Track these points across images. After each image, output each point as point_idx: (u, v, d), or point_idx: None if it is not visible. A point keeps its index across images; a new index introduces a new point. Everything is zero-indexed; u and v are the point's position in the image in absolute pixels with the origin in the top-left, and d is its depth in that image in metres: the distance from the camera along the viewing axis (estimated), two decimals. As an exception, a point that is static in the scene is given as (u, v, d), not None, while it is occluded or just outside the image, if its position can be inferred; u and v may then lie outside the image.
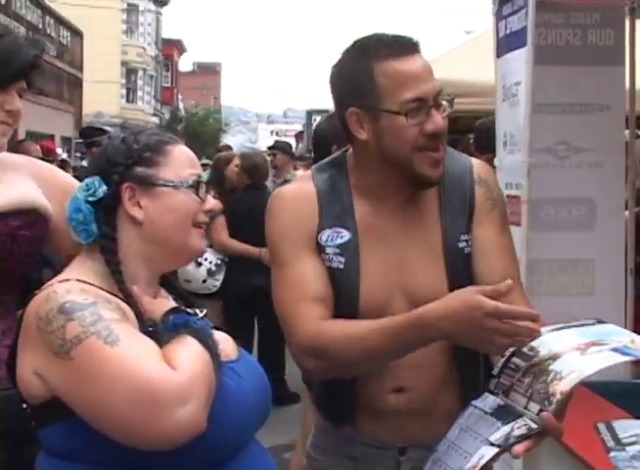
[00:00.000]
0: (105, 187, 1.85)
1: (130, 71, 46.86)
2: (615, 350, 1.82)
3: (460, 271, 2.24)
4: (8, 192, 2.20)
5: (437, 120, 2.12)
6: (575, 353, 1.82)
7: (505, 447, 1.78)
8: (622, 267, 3.55)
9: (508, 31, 3.32)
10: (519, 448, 1.78)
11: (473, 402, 1.96)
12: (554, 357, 1.84)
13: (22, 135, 23.58)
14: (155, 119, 47.08)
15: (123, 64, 45.37)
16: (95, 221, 1.85)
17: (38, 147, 7.54)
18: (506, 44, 3.34)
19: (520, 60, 3.12)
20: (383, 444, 2.23)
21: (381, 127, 2.17)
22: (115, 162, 1.86)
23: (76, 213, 1.86)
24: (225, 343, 1.94)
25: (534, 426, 1.78)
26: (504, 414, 1.85)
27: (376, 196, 2.27)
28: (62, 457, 1.78)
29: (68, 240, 1.97)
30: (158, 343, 1.75)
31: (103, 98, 36.74)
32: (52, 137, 25.99)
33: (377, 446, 2.25)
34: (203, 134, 48.10)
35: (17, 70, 2.19)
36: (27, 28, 25.12)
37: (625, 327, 3.44)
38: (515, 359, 1.91)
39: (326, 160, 2.39)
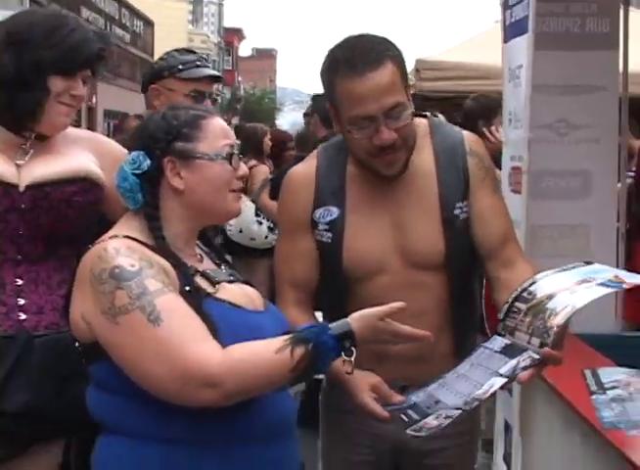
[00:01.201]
0: (149, 161, 1.87)
1: (195, 57, 46.87)
2: (601, 284, 1.90)
3: (456, 235, 2.27)
4: (65, 162, 2.26)
5: (383, 137, 2.14)
6: (566, 292, 1.89)
7: (512, 377, 1.84)
8: (614, 232, 3.52)
9: (513, 20, 3.28)
10: (524, 375, 1.85)
11: (482, 344, 2.02)
12: (549, 297, 1.91)
13: (99, 112, 23.78)
14: (217, 99, 47.13)
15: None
16: (140, 191, 1.87)
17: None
18: (511, 31, 3.32)
19: (522, 45, 3.10)
20: (385, 382, 2.23)
21: (342, 130, 2.21)
22: (157, 137, 1.88)
23: (124, 183, 1.89)
24: (255, 295, 1.98)
25: (537, 357, 1.84)
26: (511, 351, 1.90)
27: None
28: (107, 390, 1.83)
29: (122, 205, 2.01)
30: (196, 300, 1.78)
31: (171, 80, 36.81)
32: (127, 115, 26.18)
33: None
34: (259, 112, 48.11)
35: (84, 61, 2.25)
36: (106, 19, 25.24)
37: (616, 285, 3.45)
38: (516, 303, 1.98)
39: (336, 138, 2.42)
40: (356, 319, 1.81)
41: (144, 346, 1.70)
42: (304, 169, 2.36)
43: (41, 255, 2.22)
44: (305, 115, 7.26)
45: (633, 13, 3.68)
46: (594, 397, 2.43)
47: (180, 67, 3.08)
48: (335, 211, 2.28)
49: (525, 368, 1.84)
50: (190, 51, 3.31)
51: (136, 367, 1.73)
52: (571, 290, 1.90)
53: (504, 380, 1.84)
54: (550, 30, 3.34)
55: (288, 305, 2.27)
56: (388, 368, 2.13)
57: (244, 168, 1.96)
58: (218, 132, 1.93)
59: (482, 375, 1.87)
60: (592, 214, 3.43)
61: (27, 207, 2.17)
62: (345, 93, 2.15)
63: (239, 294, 1.92)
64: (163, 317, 1.71)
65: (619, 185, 3.67)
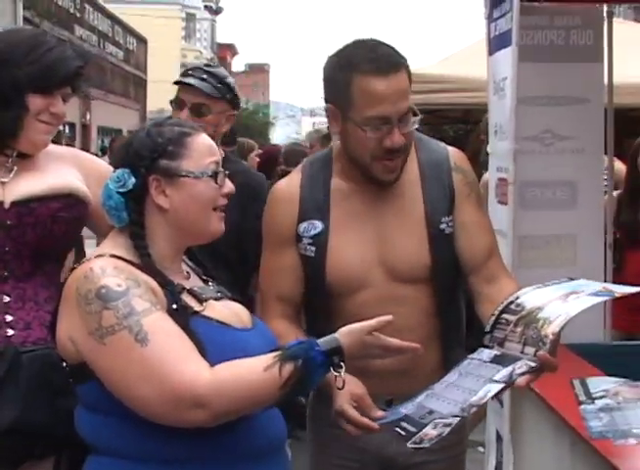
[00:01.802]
0: (133, 179, 1.84)
1: (188, 72, 47.00)
2: (591, 294, 1.91)
3: (441, 249, 2.26)
4: (50, 179, 2.24)
5: (395, 139, 2.14)
6: (558, 302, 1.89)
7: (510, 383, 1.83)
8: (602, 242, 3.52)
9: (497, 32, 3.29)
10: (522, 380, 1.83)
11: (469, 356, 1.99)
12: (540, 308, 1.90)
13: (93, 129, 23.79)
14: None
15: (182, 66, 45.45)
16: (125, 209, 1.85)
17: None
18: (495, 44, 3.32)
19: (506, 58, 3.10)
20: (371, 396, 2.21)
21: (347, 130, 2.20)
22: (142, 155, 1.85)
23: (108, 201, 1.86)
24: (242, 312, 1.95)
25: (533, 364, 1.83)
26: (503, 360, 1.89)
27: (353, 180, 2.28)
28: (93, 410, 1.80)
29: (107, 222, 2.00)
30: (183, 318, 1.75)
31: (165, 96, 36.77)
32: (120, 131, 26.20)
33: None
34: (253, 127, 48.10)
35: (61, 79, 2.23)
36: (99, 36, 25.28)
37: (604, 295, 3.44)
38: (504, 315, 1.97)
39: (320, 152, 2.42)
40: (344, 334, 1.78)
41: (131, 366, 1.68)
42: (288, 184, 2.36)
43: (28, 271, 2.21)
44: None
45: (617, 24, 3.68)
46: (582, 406, 2.42)
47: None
48: (319, 226, 2.27)
49: (521, 374, 1.83)
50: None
51: (124, 388, 1.70)
52: (562, 300, 1.90)
53: (501, 386, 1.82)
54: (534, 43, 3.36)
55: (273, 318, 2.24)
56: (373, 382, 2.08)
57: (229, 185, 1.93)
58: (203, 150, 1.90)
59: (475, 383, 1.85)
60: (578, 225, 3.43)
61: (13, 223, 2.16)
62: (367, 91, 2.14)
63: (226, 311, 1.89)
64: (151, 338, 1.68)
65: (606, 195, 3.68)
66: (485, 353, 1.95)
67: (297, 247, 2.29)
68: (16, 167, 2.22)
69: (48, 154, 2.30)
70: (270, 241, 2.36)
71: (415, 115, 2.22)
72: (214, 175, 1.88)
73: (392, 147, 2.15)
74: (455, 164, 2.31)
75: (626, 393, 2.50)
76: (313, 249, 2.26)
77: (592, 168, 3.44)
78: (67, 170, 2.30)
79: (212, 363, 1.71)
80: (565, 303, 1.89)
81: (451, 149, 2.37)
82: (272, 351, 1.76)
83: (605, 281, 3.50)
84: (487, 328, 2.00)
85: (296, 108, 79.56)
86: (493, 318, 1.99)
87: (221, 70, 3.22)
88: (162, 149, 1.86)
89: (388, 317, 1.81)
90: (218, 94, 3.06)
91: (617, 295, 1.95)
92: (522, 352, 1.87)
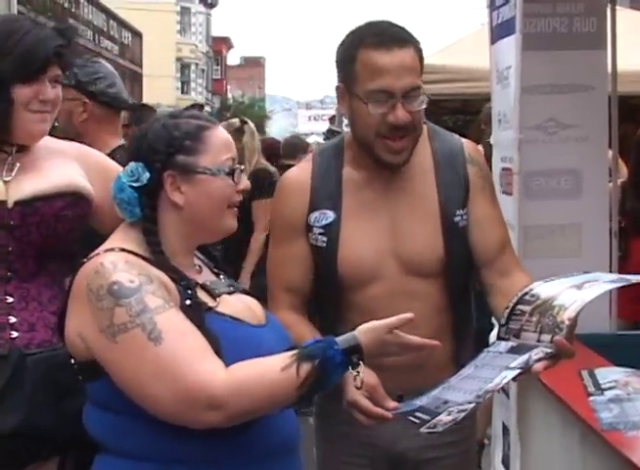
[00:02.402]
0: (148, 174, 1.79)
1: (184, 66, 47.01)
2: (607, 282, 1.94)
3: (456, 242, 2.24)
4: (53, 176, 2.18)
5: (399, 114, 2.09)
6: (573, 290, 1.88)
7: (526, 369, 1.80)
8: (607, 231, 3.50)
9: (500, 21, 3.26)
10: (539, 366, 1.81)
11: (485, 349, 1.96)
12: (554, 297, 1.89)
13: (90, 124, 23.72)
14: (207, 108, 47.18)
15: (178, 60, 45.50)
16: (138, 204, 1.80)
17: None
18: (498, 32, 3.29)
19: (510, 46, 3.07)
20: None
21: (353, 107, 2.16)
22: (157, 149, 1.79)
23: (120, 194, 1.80)
24: (255, 307, 1.91)
25: (549, 350, 1.81)
26: (519, 350, 1.86)
27: (366, 169, 2.24)
28: (104, 408, 1.76)
29: (111, 218, 1.95)
30: (197, 315, 1.71)
31: (160, 91, 36.82)
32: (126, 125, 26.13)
33: None
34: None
35: (41, 63, 2.13)
36: (94, 31, 25.23)
37: (610, 285, 3.42)
38: (519, 306, 1.94)
39: (331, 141, 2.39)
40: (363, 332, 1.73)
41: (144, 366, 1.63)
42: (299, 173, 2.31)
43: (31, 271, 2.16)
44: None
45: (620, 12, 3.66)
46: (592, 398, 2.40)
47: None
48: (330, 215, 2.23)
49: (537, 360, 1.81)
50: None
51: (136, 387, 1.66)
52: (577, 288, 1.89)
53: (517, 371, 1.80)
54: (537, 31, 3.32)
55: (281, 308, 2.20)
56: (385, 378, 2.02)
57: (245, 182, 1.88)
58: (221, 145, 1.84)
59: (491, 372, 1.82)
60: (583, 214, 3.41)
61: (16, 223, 2.11)
62: (369, 64, 2.11)
63: (240, 306, 1.85)
64: (164, 336, 1.63)
65: (610, 184, 3.65)
66: (502, 345, 1.93)
67: (307, 237, 2.24)
68: (18, 164, 2.16)
69: (50, 149, 2.24)
70: (279, 231, 2.31)
71: (425, 95, 2.17)
72: (231, 172, 1.83)
73: (396, 123, 2.10)
74: (470, 156, 2.27)
75: (636, 383, 2.48)
76: (324, 239, 2.22)
77: (596, 157, 3.41)
78: (69, 166, 2.24)
79: (228, 361, 1.68)
80: (580, 290, 1.87)
81: (465, 141, 2.33)
82: (288, 349, 1.72)
83: (610, 270, 3.49)
84: (503, 321, 1.98)
85: (292, 101, 79.38)
86: (508, 311, 1.97)
87: (82, 60, 3.16)
88: (179, 143, 1.80)
89: (409, 315, 1.76)
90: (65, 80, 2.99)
91: (633, 281, 1.93)
92: (538, 341, 1.85)
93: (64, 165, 2.23)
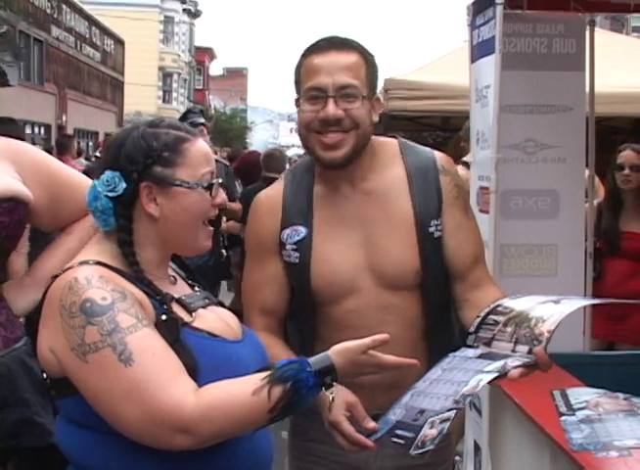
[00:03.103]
0: (124, 184, 1.76)
1: (166, 76, 46.91)
2: (582, 299, 1.96)
3: (431, 253, 2.22)
4: None
5: (329, 109, 2.13)
6: (550, 304, 1.89)
7: (503, 373, 1.79)
8: (582, 252, 3.52)
9: (480, 40, 3.28)
10: (515, 372, 1.79)
11: (451, 354, 1.95)
12: (530, 309, 1.89)
13: (70, 131, 23.64)
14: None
15: (160, 69, 45.40)
16: (113, 214, 1.77)
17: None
18: (478, 51, 3.31)
19: (489, 65, 3.09)
20: None
21: (299, 111, 2.21)
22: (135, 160, 1.76)
23: (95, 202, 1.78)
24: (231, 320, 1.89)
25: (527, 360, 1.81)
26: (490, 357, 1.85)
27: (336, 183, 2.25)
28: (77, 425, 1.73)
29: (49, 216, 1.95)
30: (173, 330, 1.69)
31: (142, 99, 36.76)
32: (96, 134, 26.06)
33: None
34: (230, 131, 48.01)
35: None
36: (76, 38, 25.15)
37: (584, 306, 3.44)
38: (491, 316, 1.95)
39: (303, 159, 2.40)
40: (337, 353, 1.70)
41: (114, 387, 1.61)
42: (271, 193, 2.32)
43: None
44: None
45: (599, 34, 3.69)
46: (563, 418, 2.41)
47: None
48: (302, 231, 2.23)
49: (514, 367, 1.80)
50: None
51: (106, 407, 1.63)
52: (553, 302, 1.90)
53: (493, 375, 1.78)
54: (517, 50, 3.35)
55: (257, 331, 2.14)
56: (362, 397, 1.98)
57: (222, 196, 1.86)
58: (200, 158, 1.81)
59: (464, 375, 1.81)
60: (560, 234, 3.44)
61: None
62: (306, 67, 2.17)
63: (216, 321, 1.83)
64: (135, 357, 1.60)
65: (586, 204, 3.68)
66: (470, 352, 1.92)
67: (280, 255, 2.24)
68: None
69: None
70: (253, 252, 2.31)
71: (375, 98, 2.22)
72: (209, 187, 1.81)
73: (326, 118, 2.12)
74: (443, 167, 2.28)
75: (606, 404, 2.49)
76: (297, 254, 2.22)
77: (574, 178, 3.45)
78: (2, 169, 2.16)
79: (204, 377, 1.66)
80: (557, 304, 1.89)
81: (437, 153, 2.34)
82: (261, 369, 1.69)
83: (585, 290, 3.52)
84: (472, 329, 1.97)
85: (273, 112, 79.40)
86: (479, 320, 1.97)
87: None
88: (157, 154, 1.77)
89: (385, 336, 1.74)
90: None
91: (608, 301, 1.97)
92: (513, 351, 1.84)
93: None
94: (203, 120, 6.63)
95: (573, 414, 2.43)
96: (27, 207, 2.16)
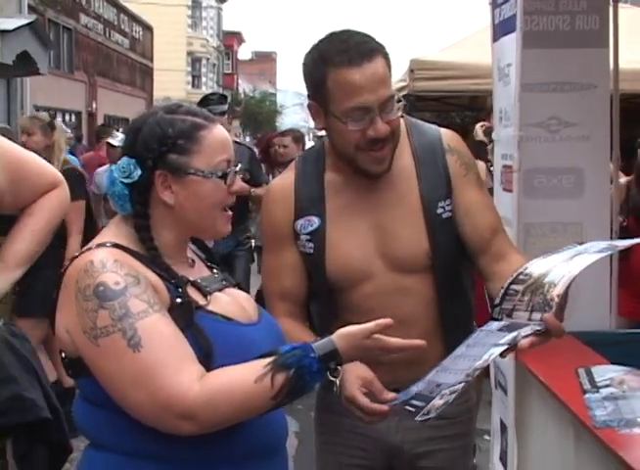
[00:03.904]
0: (139, 171, 1.77)
1: (195, 61, 47.00)
2: (595, 252, 1.89)
3: (440, 235, 2.24)
4: None
5: (378, 128, 2.10)
6: (563, 265, 1.86)
7: (513, 345, 1.79)
8: (608, 230, 3.50)
9: (502, 18, 3.26)
10: (525, 342, 1.79)
11: (479, 329, 1.96)
12: (545, 274, 1.87)
13: (100, 117, 23.82)
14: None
15: (189, 54, 45.49)
16: (129, 200, 1.79)
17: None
18: (500, 30, 3.29)
19: (511, 44, 3.07)
20: None
21: (329, 125, 2.17)
22: (150, 147, 1.77)
23: (112, 187, 1.80)
24: (247, 303, 1.90)
25: (538, 328, 1.80)
26: (510, 328, 1.85)
27: (347, 172, 2.26)
28: (93, 403, 1.77)
29: (7, 199, 2.02)
30: (187, 314, 1.71)
31: (171, 85, 36.88)
32: (127, 120, 26.20)
33: None
34: (259, 115, 48.09)
35: None
36: (104, 25, 25.29)
37: (610, 285, 3.43)
38: (512, 286, 1.94)
39: (313, 147, 2.42)
40: (341, 338, 1.71)
41: (123, 371, 1.64)
42: (283, 182, 2.34)
43: None
44: None
45: (623, 9, 3.65)
46: (587, 395, 2.40)
47: None
48: (315, 221, 2.25)
49: (525, 337, 1.80)
50: None
51: (115, 391, 1.67)
52: (566, 262, 1.88)
53: (504, 347, 1.79)
54: (539, 28, 3.31)
55: (278, 317, 2.18)
56: (379, 372, 2.03)
57: (239, 184, 1.85)
58: (216, 146, 1.80)
59: (481, 350, 1.82)
60: (585, 212, 3.40)
61: None
62: (342, 83, 2.09)
63: (231, 304, 1.84)
64: (144, 343, 1.63)
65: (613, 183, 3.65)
66: (494, 325, 1.92)
67: (296, 245, 2.28)
68: None
69: None
70: (269, 241, 2.34)
71: (399, 101, 2.17)
72: (224, 176, 1.81)
73: (377, 137, 2.12)
74: (449, 146, 2.28)
75: (631, 381, 2.47)
76: (312, 245, 2.25)
77: (598, 155, 3.41)
78: None
79: (218, 360, 1.68)
80: (568, 264, 1.86)
81: (443, 131, 2.34)
82: (264, 355, 1.69)
83: (611, 271, 3.50)
84: (497, 301, 1.97)
85: (303, 96, 79.02)
86: (502, 291, 1.96)
87: None
88: (172, 142, 1.77)
89: (388, 321, 1.73)
90: None
91: (618, 248, 1.95)
92: (529, 320, 1.84)
93: None
94: (223, 109, 5.97)
95: (597, 391, 2.42)
96: None
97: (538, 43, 3.24)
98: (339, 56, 2.10)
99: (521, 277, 1.94)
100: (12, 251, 2.30)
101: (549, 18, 3.32)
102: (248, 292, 2.02)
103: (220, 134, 1.83)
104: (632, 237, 4.15)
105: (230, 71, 55.97)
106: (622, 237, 3.73)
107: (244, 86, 59.64)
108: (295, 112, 62.95)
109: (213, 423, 1.65)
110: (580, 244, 1.99)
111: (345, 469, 2.40)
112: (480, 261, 2.29)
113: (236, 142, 5.92)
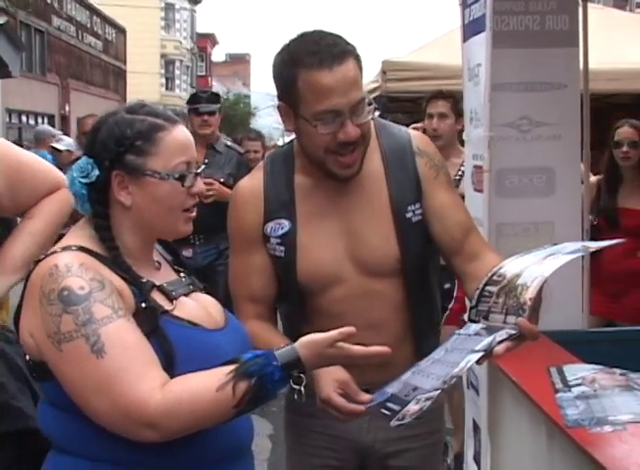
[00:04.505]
0: (97, 171, 1.76)
1: (168, 63, 46.88)
2: (567, 253, 1.89)
3: (409, 239, 2.23)
4: None
5: (349, 131, 2.08)
6: (535, 266, 1.86)
7: (489, 351, 1.79)
8: (580, 229, 3.51)
9: (471, 18, 3.25)
10: (500, 349, 1.79)
11: (456, 332, 1.96)
12: (518, 275, 1.87)
13: (73, 120, 23.65)
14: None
15: (162, 56, 45.34)
16: (88, 200, 1.78)
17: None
18: (470, 30, 3.28)
19: (480, 43, 3.07)
20: None
21: (299, 127, 2.14)
22: (108, 147, 1.76)
23: (72, 187, 1.79)
24: (214, 308, 1.89)
25: (513, 332, 1.80)
26: (487, 332, 1.85)
27: (316, 175, 2.24)
28: (56, 407, 1.75)
29: (7, 202, 2.01)
30: (152, 318, 1.69)
31: (144, 87, 36.69)
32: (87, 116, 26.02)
33: None
34: (233, 117, 47.97)
35: None
36: (77, 27, 25.12)
37: (582, 284, 3.44)
38: (487, 288, 1.93)
39: (281, 147, 2.39)
40: (304, 346, 1.70)
41: (86, 377, 1.62)
42: (251, 183, 2.30)
43: None
44: None
45: (592, 9, 3.66)
46: (559, 394, 2.40)
47: None
48: (286, 225, 2.23)
49: (500, 342, 1.80)
50: None
51: (78, 396, 1.65)
52: (538, 264, 1.87)
53: (480, 354, 1.79)
54: (509, 28, 3.31)
55: (247, 319, 2.19)
56: (351, 372, 2.03)
57: (199, 186, 1.84)
58: (174, 148, 1.79)
59: (458, 356, 1.82)
60: (556, 212, 3.41)
61: None
62: (312, 86, 2.06)
63: (197, 309, 1.83)
64: (107, 349, 1.62)
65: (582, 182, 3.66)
66: (472, 328, 1.92)
67: (265, 247, 2.25)
68: None
69: None
70: (238, 243, 2.30)
71: (370, 104, 2.14)
72: (182, 178, 1.79)
73: (347, 140, 2.09)
74: (418, 149, 2.26)
75: (603, 380, 2.48)
76: (282, 249, 2.22)
77: (569, 155, 3.41)
78: None
79: (182, 366, 1.67)
80: (541, 265, 1.86)
81: (413, 133, 2.33)
82: (227, 363, 1.68)
83: (582, 268, 3.51)
84: (473, 303, 1.96)
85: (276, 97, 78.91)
86: (478, 292, 1.96)
87: None
88: (130, 143, 1.76)
89: (351, 329, 1.72)
90: None
91: (590, 250, 1.94)
92: (504, 322, 1.84)
93: None
94: (212, 108, 5.68)
95: (569, 390, 2.42)
96: None
97: (508, 43, 3.24)
98: (309, 57, 2.07)
99: (495, 278, 1.93)
100: (9, 255, 2.26)
101: (519, 18, 3.32)
102: (231, 311, 2.00)
103: (180, 136, 1.81)
104: (603, 236, 4.23)
105: (204, 73, 55.82)
106: (593, 236, 3.76)
107: (218, 88, 59.49)
108: (268, 113, 62.81)
109: (175, 431, 1.64)
110: (554, 245, 1.99)
111: None
112: (454, 262, 2.28)
113: (227, 146, 5.79)
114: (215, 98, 5.90)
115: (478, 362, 1.81)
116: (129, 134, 1.76)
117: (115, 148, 1.76)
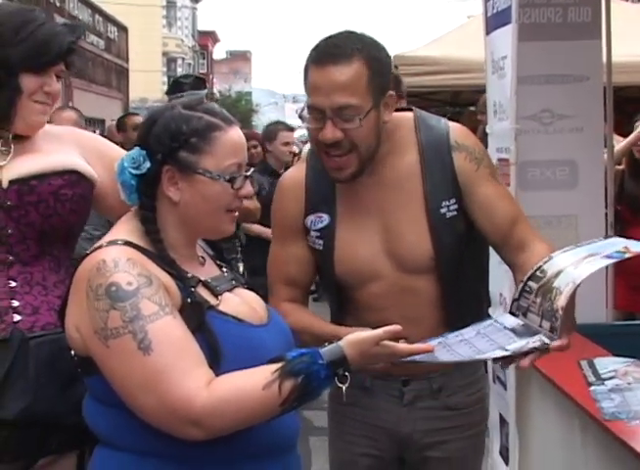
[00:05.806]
0: (148, 164, 1.74)
1: (170, 61, 46.91)
2: (605, 257, 1.84)
3: (443, 235, 2.21)
4: (51, 156, 2.15)
5: (325, 132, 2.07)
6: (571, 268, 1.81)
7: (515, 355, 1.77)
8: (603, 221, 3.50)
9: (495, 11, 3.23)
10: (525, 362, 1.77)
11: (494, 317, 1.94)
12: (557, 275, 1.83)
13: (76, 119, 23.65)
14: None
15: (164, 54, 45.35)
16: (136, 190, 1.77)
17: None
18: (493, 22, 3.26)
19: (505, 36, 3.05)
20: (388, 376, 2.21)
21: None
22: (162, 141, 1.75)
23: (121, 175, 1.77)
24: (257, 304, 1.87)
25: (547, 342, 1.77)
26: (522, 332, 1.83)
27: None
28: (103, 402, 1.73)
29: (113, 199, 1.95)
30: (198, 314, 1.68)
31: (147, 85, 36.69)
32: (103, 121, 26.04)
33: (383, 378, 2.26)
34: (235, 115, 47.88)
35: (55, 56, 2.13)
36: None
37: (606, 275, 3.43)
38: (529, 283, 1.90)
39: None
40: (350, 345, 1.67)
41: (132, 374, 1.61)
42: (294, 174, 2.33)
43: (33, 255, 2.11)
44: None
45: (615, 2, 3.65)
46: (592, 388, 2.40)
47: None
48: (326, 218, 2.24)
49: (531, 350, 1.78)
50: None
51: (125, 392, 1.64)
52: (575, 265, 1.83)
53: (506, 353, 1.77)
54: (532, 21, 3.32)
55: (281, 301, 2.23)
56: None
57: (247, 188, 1.82)
58: (228, 149, 1.77)
59: (486, 345, 1.80)
60: (579, 204, 3.41)
61: (13, 203, 2.06)
62: (308, 80, 2.11)
63: (241, 305, 1.81)
64: (154, 346, 1.60)
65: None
66: (509, 320, 1.90)
67: (305, 238, 2.27)
68: (13, 147, 2.13)
69: (46, 134, 2.21)
70: (279, 230, 2.34)
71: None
72: (232, 179, 1.77)
73: (323, 141, 2.08)
74: (456, 143, 2.23)
75: (635, 373, 2.47)
76: (321, 242, 2.25)
77: (592, 147, 3.41)
78: (67, 148, 2.21)
79: (227, 362, 1.66)
80: (576, 268, 1.82)
81: (452, 125, 2.28)
82: (273, 360, 1.66)
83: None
84: (515, 295, 1.93)
85: (278, 94, 79.11)
86: (520, 286, 1.92)
87: None
88: (185, 139, 1.74)
89: (397, 328, 1.70)
90: None
91: (628, 255, 1.87)
92: (540, 326, 1.82)
93: (61, 148, 2.20)
94: (201, 95, 4.69)
95: (603, 384, 2.41)
96: (92, 186, 2.19)
97: (530, 36, 3.24)
98: (312, 52, 2.11)
99: (537, 274, 1.89)
100: None
101: (541, 10, 3.32)
102: None
103: (235, 137, 1.79)
104: (627, 226, 4.20)
105: (205, 71, 55.81)
106: (616, 227, 3.74)
107: (219, 86, 59.47)
108: (270, 110, 62.89)
109: (220, 429, 1.63)
110: (600, 240, 1.95)
111: (356, 458, 2.39)
112: (503, 254, 2.27)
113: None
114: (201, 83, 5.23)
115: (501, 366, 1.81)
116: (185, 130, 1.75)
117: (170, 143, 1.74)
